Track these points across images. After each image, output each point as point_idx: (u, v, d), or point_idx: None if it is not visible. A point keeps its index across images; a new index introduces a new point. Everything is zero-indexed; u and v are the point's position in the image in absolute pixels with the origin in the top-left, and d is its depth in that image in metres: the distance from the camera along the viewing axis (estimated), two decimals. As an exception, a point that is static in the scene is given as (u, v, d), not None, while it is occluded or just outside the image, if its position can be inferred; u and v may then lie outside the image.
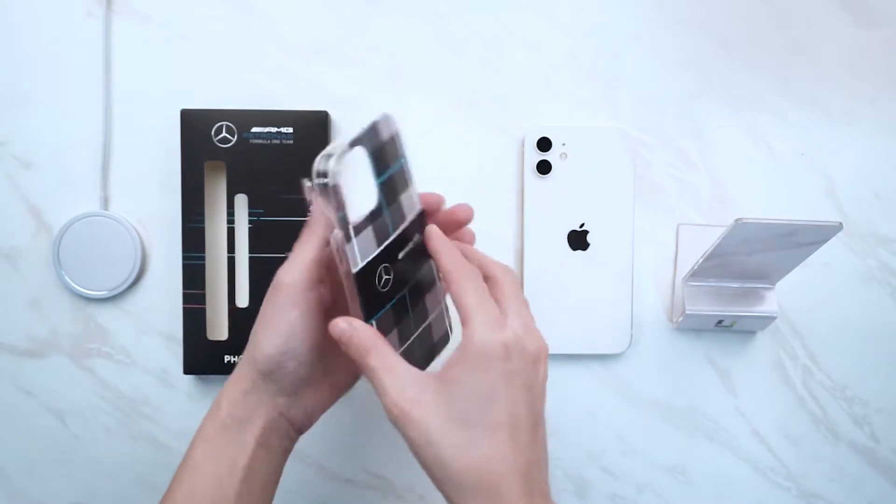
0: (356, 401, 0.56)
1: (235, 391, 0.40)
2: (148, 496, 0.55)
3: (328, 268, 0.40)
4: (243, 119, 0.53)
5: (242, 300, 0.54)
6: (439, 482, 0.37)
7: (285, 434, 0.41)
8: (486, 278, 0.40)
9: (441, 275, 0.41)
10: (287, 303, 0.39)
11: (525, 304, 0.40)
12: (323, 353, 0.41)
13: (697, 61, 0.56)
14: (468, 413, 0.36)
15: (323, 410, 0.43)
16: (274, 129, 0.53)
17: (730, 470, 0.57)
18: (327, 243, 0.39)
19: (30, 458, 0.56)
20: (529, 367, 0.37)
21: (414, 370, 0.38)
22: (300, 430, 0.42)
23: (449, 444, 0.35)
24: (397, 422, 0.36)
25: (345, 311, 0.40)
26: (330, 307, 0.41)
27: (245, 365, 0.40)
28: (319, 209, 0.39)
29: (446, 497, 0.37)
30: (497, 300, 0.38)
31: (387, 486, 0.56)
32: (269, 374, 0.40)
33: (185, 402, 0.55)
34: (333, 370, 0.43)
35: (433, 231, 0.40)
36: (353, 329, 0.38)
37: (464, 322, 0.37)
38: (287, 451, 0.42)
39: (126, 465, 0.56)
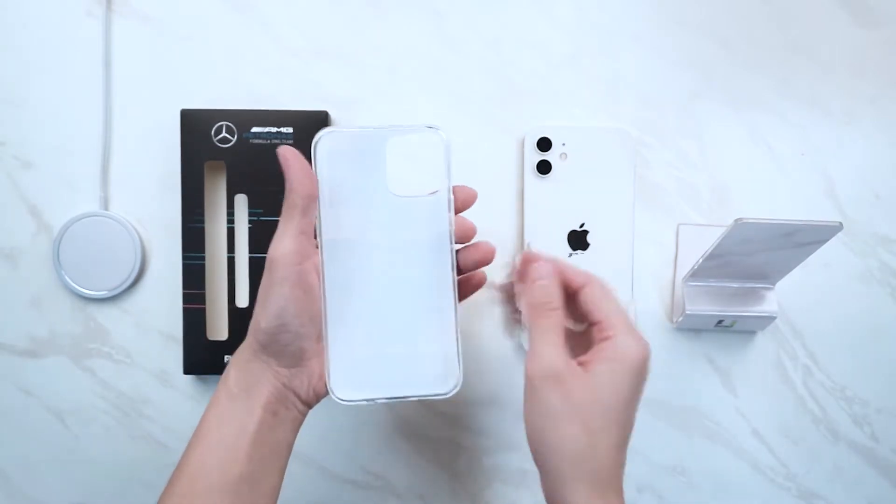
0: (356, 401, 0.56)
1: (240, 361, 0.42)
2: (148, 496, 0.55)
3: (313, 242, 0.41)
4: (243, 119, 0.53)
5: (242, 300, 0.54)
6: (550, 453, 0.38)
7: (292, 405, 0.42)
8: (580, 287, 0.42)
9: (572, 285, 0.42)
10: (279, 278, 0.40)
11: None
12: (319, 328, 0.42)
13: (697, 61, 0.56)
14: (609, 407, 0.39)
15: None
16: (274, 129, 0.53)
17: (730, 470, 0.57)
18: (307, 212, 0.40)
19: (30, 458, 0.56)
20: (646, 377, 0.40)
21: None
22: (307, 404, 0.43)
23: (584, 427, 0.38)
24: (547, 381, 0.38)
25: None
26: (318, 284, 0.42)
27: (249, 336, 0.42)
28: (300, 179, 0.39)
29: (547, 466, 0.38)
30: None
31: (387, 486, 0.56)
32: (267, 347, 0.41)
33: (184, 402, 0.55)
34: None
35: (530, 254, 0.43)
36: (552, 280, 0.41)
37: (604, 326, 0.40)
38: (296, 423, 0.43)
39: (126, 465, 0.56)
